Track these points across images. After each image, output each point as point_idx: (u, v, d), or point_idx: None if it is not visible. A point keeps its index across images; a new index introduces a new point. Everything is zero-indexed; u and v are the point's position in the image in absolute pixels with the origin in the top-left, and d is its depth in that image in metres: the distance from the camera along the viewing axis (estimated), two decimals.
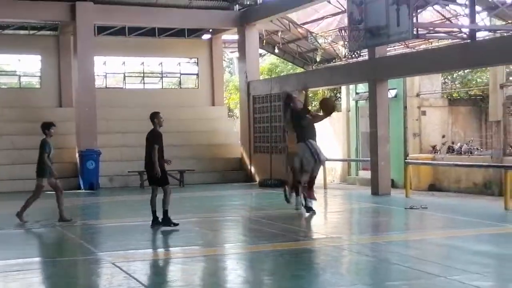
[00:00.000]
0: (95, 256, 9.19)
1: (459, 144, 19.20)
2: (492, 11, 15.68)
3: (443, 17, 17.64)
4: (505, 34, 15.90)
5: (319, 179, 15.25)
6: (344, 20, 18.41)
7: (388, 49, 19.01)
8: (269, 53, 29.06)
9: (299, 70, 26.80)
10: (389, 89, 17.67)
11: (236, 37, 23.72)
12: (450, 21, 17.59)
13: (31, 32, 23.86)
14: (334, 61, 24.96)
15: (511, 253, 9.00)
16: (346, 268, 8.39)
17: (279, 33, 24.75)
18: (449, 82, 23.58)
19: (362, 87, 20.53)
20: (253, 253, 9.22)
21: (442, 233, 10.79)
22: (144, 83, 25.53)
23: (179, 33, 24.87)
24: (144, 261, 8.93)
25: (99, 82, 23.62)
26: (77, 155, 20.42)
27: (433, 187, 18.56)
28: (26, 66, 24.70)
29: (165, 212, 11.29)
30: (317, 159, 12.65)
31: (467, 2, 14.50)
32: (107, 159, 20.70)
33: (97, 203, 17.02)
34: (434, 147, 19.47)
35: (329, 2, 20.63)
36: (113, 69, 25.30)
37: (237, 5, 23.11)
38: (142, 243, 10.39)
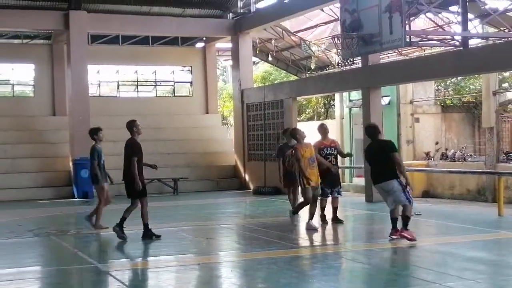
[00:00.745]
0: (90, 265, 9.14)
1: (452, 151, 19.25)
2: (484, 19, 15.76)
3: (435, 25, 17.71)
4: (498, 41, 15.98)
5: None
6: (337, 28, 18.49)
7: (381, 56, 19.08)
8: (262, 61, 29.16)
9: (293, 77, 26.86)
10: (382, 96, 17.73)
11: (229, 45, 23.76)
12: (443, 29, 17.66)
13: (25, 41, 23.86)
14: (327, 68, 25.03)
15: (505, 260, 9.01)
16: (340, 275, 8.38)
17: (273, 41, 24.83)
18: (442, 89, 23.66)
19: (356, 95, 20.58)
20: (247, 261, 9.20)
21: (436, 240, 10.80)
22: (138, 91, 25.53)
23: (173, 41, 24.90)
24: (138, 270, 8.91)
25: (92, 91, 23.63)
26: (70, 163, 20.37)
27: (427, 194, 18.60)
28: (19, 75, 24.69)
29: (146, 226, 10.94)
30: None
31: (459, 10, 14.57)
32: None
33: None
34: (427, 153, 19.52)
35: (322, 10, 20.72)
36: (107, 77, 25.30)
37: (230, 14, 23.17)
38: (136, 251, 10.36)
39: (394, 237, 10.04)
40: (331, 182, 12.22)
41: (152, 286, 8.05)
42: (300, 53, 25.32)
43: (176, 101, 25.48)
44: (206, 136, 23.98)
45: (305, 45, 24.44)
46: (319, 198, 11.99)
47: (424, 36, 15.42)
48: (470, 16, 15.44)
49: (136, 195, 10.89)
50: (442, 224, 12.64)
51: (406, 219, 9.99)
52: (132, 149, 10.80)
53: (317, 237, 11.20)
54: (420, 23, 18.98)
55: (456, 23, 16.52)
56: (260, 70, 33.51)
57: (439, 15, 17.29)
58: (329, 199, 12.48)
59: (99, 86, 24.84)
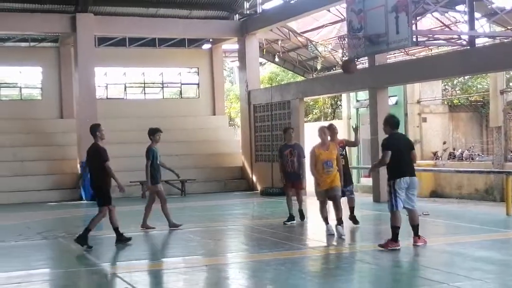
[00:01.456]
0: (97, 267, 9.18)
1: (460, 150, 19.19)
2: (491, 18, 15.70)
3: (442, 24, 17.66)
4: (505, 40, 15.92)
5: None
6: (344, 28, 18.47)
7: (388, 56, 19.04)
8: (269, 62, 29.16)
9: (300, 78, 26.85)
10: (389, 96, 17.70)
11: (236, 46, 23.79)
12: (450, 28, 17.61)
13: (32, 44, 23.94)
14: (334, 69, 25.00)
15: None
16: (348, 276, 8.37)
17: (279, 42, 24.83)
18: (450, 89, 23.59)
19: (363, 95, 20.55)
20: (255, 262, 9.21)
21: (444, 240, 10.77)
22: (145, 93, 25.60)
23: (180, 43, 24.95)
24: (145, 271, 8.93)
25: (100, 93, 23.70)
26: (78, 166, 20.43)
27: (434, 194, 18.54)
28: (27, 78, 24.81)
29: (87, 231, 10.50)
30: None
31: (466, 9, 14.53)
32: None
33: None
34: (435, 153, 19.46)
35: (329, 11, 20.70)
36: (114, 79, 25.38)
37: (237, 15, 23.19)
38: (143, 253, 10.39)
39: (419, 244, 9.72)
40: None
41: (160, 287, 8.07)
42: (306, 53, 25.31)
43: (183, 103, 25.53)
44: (213, 138, 24.00)
45: (311, 45, 24.43)
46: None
47: (430, 35, 15.38)
48: (477, 15, 15.39)
49: (106, 201, 10.56)
50: (450, 224, 12.60)
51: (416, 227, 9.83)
52: (101, 154, 10.40)
53: (324, 237, 11.18)
54: (427, 22, 18.95)
55: (463, 22, 16.47)
56: (267, 71, 33.50)
57: (446, 14, 17.26)
58: (345, 200, 12.09)
59: (107, 89, 24.91)
